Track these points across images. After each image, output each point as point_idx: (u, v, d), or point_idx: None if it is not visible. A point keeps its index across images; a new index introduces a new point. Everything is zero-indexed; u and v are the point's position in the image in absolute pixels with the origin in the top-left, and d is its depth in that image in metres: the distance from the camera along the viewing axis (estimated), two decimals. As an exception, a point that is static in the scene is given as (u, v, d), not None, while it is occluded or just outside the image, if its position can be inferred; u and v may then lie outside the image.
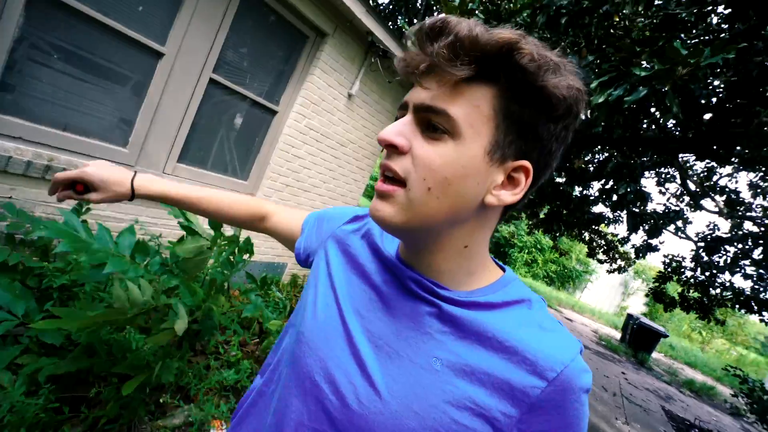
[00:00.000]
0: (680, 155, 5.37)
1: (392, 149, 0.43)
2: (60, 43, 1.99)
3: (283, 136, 3.20)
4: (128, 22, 2.14)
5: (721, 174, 6.21)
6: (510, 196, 0.44)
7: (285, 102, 3.16)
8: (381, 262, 0.53)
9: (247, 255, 1.94)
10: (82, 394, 1.58)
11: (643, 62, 2.19)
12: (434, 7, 6.10)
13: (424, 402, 0.43)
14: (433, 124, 0.41)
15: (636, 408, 5.48)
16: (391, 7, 7.53)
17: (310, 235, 0.68)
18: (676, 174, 6.43)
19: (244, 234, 2.51)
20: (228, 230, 3.08)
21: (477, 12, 2.89)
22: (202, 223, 1.82)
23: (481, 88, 0.40)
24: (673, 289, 8.11)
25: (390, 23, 7.40)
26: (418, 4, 6.83)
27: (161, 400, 1.85)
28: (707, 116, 3.59)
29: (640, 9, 3.32)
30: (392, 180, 0.43)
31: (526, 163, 0.43)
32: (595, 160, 6.62)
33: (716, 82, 3.23)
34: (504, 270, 0.52)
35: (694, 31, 3.45)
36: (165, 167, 2.63)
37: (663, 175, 6.99)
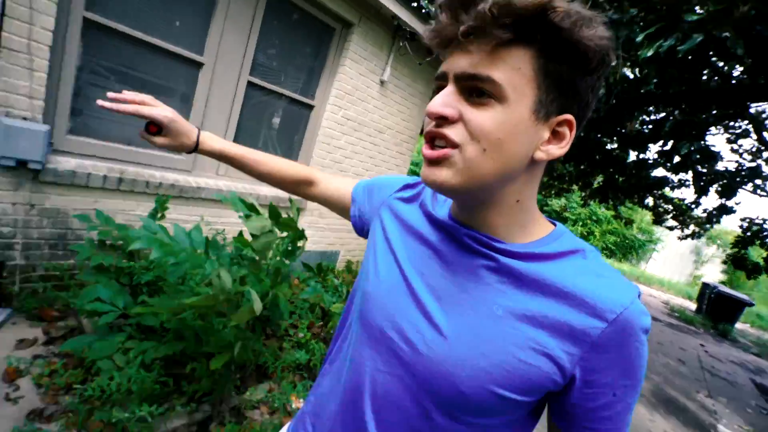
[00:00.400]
0: (752, 105, 4.81)
1: (442, 120, 0.44)
2: (114, 65, 2.22)
3: (322, 129, 3.31)
4: (168, 38, 2.33)
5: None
6: (557, 150, 0.46)
7: (320, 95, 3.27)
8: (435, 224, 0.57)
9: (301, 242, 2.06)
10: (179, 371, 1.80)
11: (695, 7, 2.01)
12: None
13: (490, 344, 0.46)
14: (479, 90, 0.42)
15: (721, 382, 5.08)
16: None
17: (362, 205, 0.73)
18: (750, 127, 5.75)
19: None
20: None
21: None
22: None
23: (519, 50, 0.41)
24: (757, 253, 7.36)
25: (413, 2, 7.27)
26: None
27: (242, 376, 2.04)
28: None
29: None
30: (443, 147, 0.45)
31: (569, 117, 0.45)
32: (650, 122, 6.09)
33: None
34: (555, 224, 0.54)
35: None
36: (219, 169, 2.84)
37: (734, 130, 6.28)
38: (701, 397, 4.31)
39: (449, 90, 0.44)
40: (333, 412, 0.60)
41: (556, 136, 0.46)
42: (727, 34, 1.82)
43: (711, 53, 3.13)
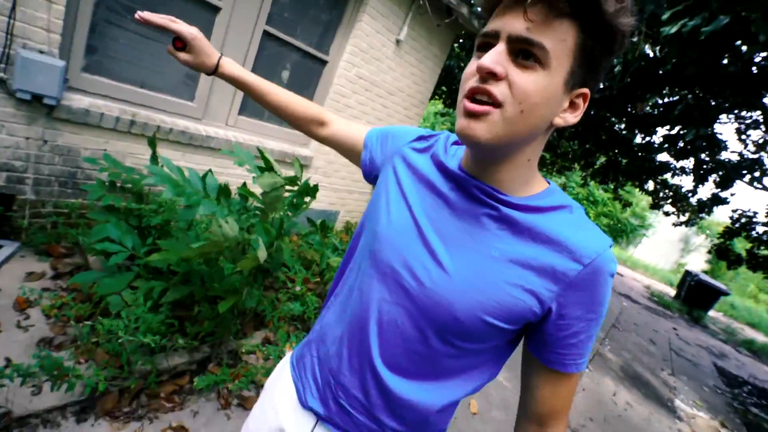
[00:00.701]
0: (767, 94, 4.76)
1: (491, 76, 0.47)
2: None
3: (333, 86, 3.26)
4: (189, -22, 2.24)
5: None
6: (573, 118, 0.52)
7: (335, 51, 3.19)
8: (446, 174, 0.62)
9: (309, 199, 2.11)
10: (183, 314, 1.89)
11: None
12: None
13: (486, 279, 0.54)
14: (527, 53, 0.46)
15: (685, 362, 5.42)
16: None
17: (374, 151, 0.77)
18: (760, 118, 5.71)
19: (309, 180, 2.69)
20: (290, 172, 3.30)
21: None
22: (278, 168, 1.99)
23: (568, 23, 0.45)
24: (741, 245, 7.56)
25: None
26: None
27: (241, 322, 2.16)
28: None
29: None
30: (485, 102, 0.48)
31: (587, 90, 0.51)
32: (662, 104, 6.02)
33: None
34: (549, 183, 0.61)
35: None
36: (228, 120, 2.82)
37: (744, 120, 6.24)
38: (665, 375, 4.62)
39: (500, 48, 0.47)
40: (338, 337, 0.67)
41: (572, 105, 0.52)
42: (754, 17, 1.80)
43: (734, 36, 3.07)
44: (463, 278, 0.54)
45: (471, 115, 0.48)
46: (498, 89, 0.47)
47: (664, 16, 1.92)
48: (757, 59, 3.92)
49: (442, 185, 0.61)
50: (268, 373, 1.98)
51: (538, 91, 0.47)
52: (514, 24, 0.46)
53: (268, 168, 1.52)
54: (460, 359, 0.59)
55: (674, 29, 1.82)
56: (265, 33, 2.70)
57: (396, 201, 0.65)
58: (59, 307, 1.87)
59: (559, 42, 0.46)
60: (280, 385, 0.76)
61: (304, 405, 0.70)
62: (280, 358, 2.15)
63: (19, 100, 1.85)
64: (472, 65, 0.50)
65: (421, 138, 0.72)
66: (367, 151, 0.78)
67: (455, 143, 0.68)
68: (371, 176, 0.78)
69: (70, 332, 1.81)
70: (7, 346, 1.62)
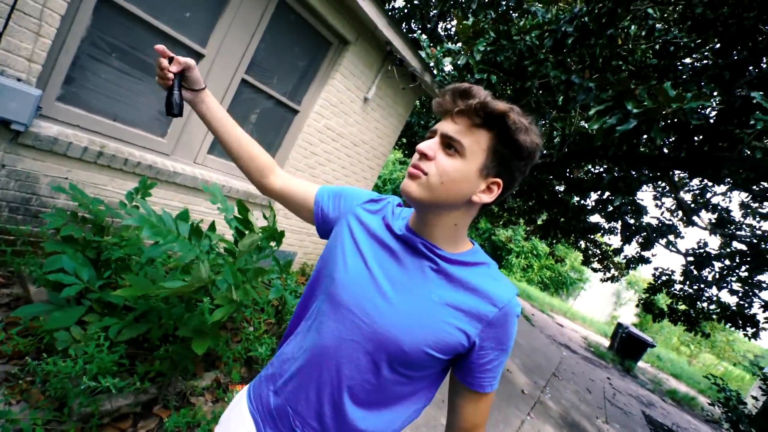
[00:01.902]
0: (674, 171, 5.61)
1: (424, 156, 0.68)
2: (117, 42, 2.24)
3: (302, 134, 3.45)
4: (176, 26, 2.38)
5: (715, 192, 6.45)
6: (486, 198, 0.69)
7: (306, 103, 3.41)
8: (394, 234, 0.76)
9: (274, 243, 2.19)
10: (135, 351, 1.83)
11: (638, 93, 2.42)
12: (447, 16, 6.33)
13: (427, 318, 0.68)
14: (450, 145, 0.66)
15: (617, 410, 5.75)
16: (405, 11, 7.75)
17: (327, 207, 0.88)
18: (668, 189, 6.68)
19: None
20: (261, 221, 3.34)
21: (488, 30, 3.13)
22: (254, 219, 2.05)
23: (482, 131, 0.66)
24: (663, 300, 8.37)
25: (404, 25, 7.61)
26: (431, 12, 7.05)
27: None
28: (698, 138, 3.83)
29: (642, 33, 3.56)
30: (419, 171, 0.67)
31: (499, 180, 0.69)
32: (594, 172, 6.85)
33: (707, 110, 3.47)
34: (473, 243, 0.78)
35: (690, 59, 3.69)
36: (197, 157, 2.88)
37: (660, 189, 7.23)
38: (599, 422, 4.88)
39: (435, 141, 0.68)
40: (296, 371, 0.75)
41: (488, 189, 0.69)
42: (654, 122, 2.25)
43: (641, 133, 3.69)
44: (410, 317, 0.68)
45: (410, 176, 0.68)
46: (426, 166, 0.67)
47: (591, 112, 2.34)
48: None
49: (391, 242, 0.75)
50: (216, 418, 1.92)
51: (454, 171, 0.66)
52: (447, 127, 0.67)
53: (244, 220, 1.60)
54: (405, 386, 0.72)
55: (597, 125, 2.24)
56: (243, 81, 2.87)
57: (351, 252, 0.77)
58: (-9, 342, 1.74)
59: (475, 143, 0.66)
60: (237, 418, 0.83)
61: None
62: (230, 399, 2.10)
63: (-16, 124, 1.83)
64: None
65: (372, 201, 0.86)
66: (319, 207, 0.88)
67: (399, 205, 0.86)
68: (324, 229, 0.89)
69: (1, 370, 1.68)
70: (-72, 385, 1.48)
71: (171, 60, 0.84)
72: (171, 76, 0.84)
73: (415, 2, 7.37)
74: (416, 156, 0.69)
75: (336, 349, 0.71)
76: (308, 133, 3.47)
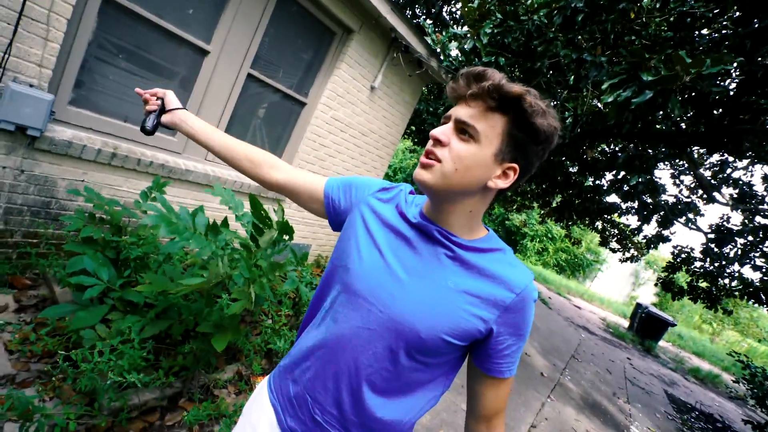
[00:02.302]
0: (692, 148, 5.44)
1: (438, 142, 0.66)
2: (123, 44, 2.25)
3: (310, 126, 3.44)
4: (180, 24, 2.38)
5: (735, 167, 6.24)
6: (502, 183, 0.68)
7: (313, 94, 3.39)
8: (408, 222, 0.76)
9: (287, 237, 2.20)
10: (159, 347, 1.89)
11: (653, 65, 2.34)
12: (451, 0, 6.19)
13: (444, 305, 0.68)
14: (465, 131, 0.65)
15: (639, 390, 5.71)
16: (409, -4, 7.61)
17: (337, 199, 0.87)
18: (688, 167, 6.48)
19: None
20: (272, 216, 3.36)
21: (495, 12, 3.04)
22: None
23: (498, 115, 0.64)
24: (683, 279, 8.21)
25: (408, 10, 7.48)
26: (436, -5, 6.91)
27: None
28: (718, 111, 3.69)
29: (656, 5, 3.42)
30: (432, 159, 0.66)
31: (516, 165, 0.67)
32: (609, 151, 6.69)
33: (726, 82, 3.34)
34: (488, 230, 0.78)
35: (707, 30, 3.54)
36: (207, 154, 2.90)
37: (677, 167, 7.03)
38: (621, 402, 4.85)
39: (449, 126, 0.67)
40: (315, 361, 0.76)
41: (504, 175, 0.68)
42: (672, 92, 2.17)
43: (658, 107, 3.58)
44: (425, 304, 0.68)
45: (422, 166, 0.67)
46: (441, 152, 0.66)
47: (604, 86, 2.26)
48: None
49: (406, 231, 0.75)
50: (238, 410, 1.97)
51: (469, 157, 0.65)
52: (461, 111, 0.66)
53: (263, 216, 1.61)
54: (423, 372, 0.72)
55: (610, 98, 2.17)
56: (249, 75, 2.86)
57: (365, 242, 0.76)
58: (22, 342, 1.81)
59: (489, 127, 0.64)
60: (258, 408, 0.84)
61: (283, 424, 0.78)
62: (252, 391, 2.14)
63: (1, 130, 1.87)
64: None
65: (384, 189, 0.86)
66: (329, 199, 0.88)
67: (411, 193, 0.85)
68: (336, 222, 0.89)
69: (33, 368, 1.75)
70: (-34, 384, 1.55)
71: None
72: (159, 103, 0.97)
73: (419, -14, 7.24)
74: (430, 142, 0.68)
75: (353, 338, 0.71)
76: (316, 125, 3.46)
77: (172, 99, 0.97)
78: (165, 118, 0.96)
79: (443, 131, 0.66)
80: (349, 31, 3.30)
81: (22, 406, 1.37)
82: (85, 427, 1.59)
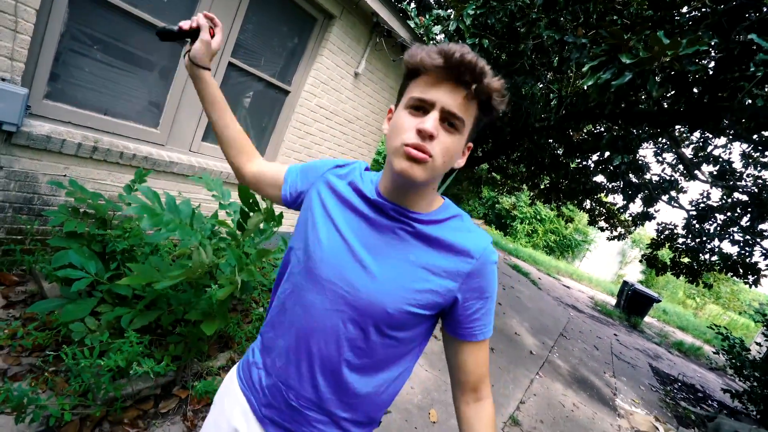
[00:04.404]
0: (674, 127, 5.53)
1: (429, 137, 0.64)
2: (97, 34, 2.21)
3: (295, 115, 3.42)
4: (154, 13, 2.34)
5: (715, 145, 6.37)
6: (463, 161, 0.73)
7: (296, 82, 3.36)
8: (365, 200, 0.76)
9: (273, 224, 2.22)
10: (150, 337, 1.91)
11: (632, 46, 2.36)
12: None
13: (406, 279, 0.70)
14: (452, 123, 0.65)
15: (624, 365, 5.92)
16: (393, -22, 7.47)
17: (295, 181, 0.88)
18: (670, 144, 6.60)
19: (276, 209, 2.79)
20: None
21: (477, -7, 3.02)
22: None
23: (474, 103, 0.66)
24: (667, 255, 8.44)
25: (395, 2, 7.36)
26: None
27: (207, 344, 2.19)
28: (698, 90, 3.76)
29: (636, -16, 3.43)
30: (424, 154, 0.64)
31: (471, 144, 0.73)
32: (594, 132, 6.76)
33: (705, 60, 3.39)
34: (444, 198, 0.80)
35: (687, 8, 3.57)
36: (191, 145, 2.88)
37: (660, 146, 7.15)
38: (607, 377, 5.04)
39: (436, 116, 0.64)
40: (285, 347, 0.76)
41: (463, 154, 0.72)
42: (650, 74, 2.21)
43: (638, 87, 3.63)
44: (389, 280, 0.70)
45: (413, 160, 0.64)
46: (431, 146, 0.64)
47: (584, 69, 2.29)
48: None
49: (363, 208, 0.76)
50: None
51: (454, 148, 0.67)
52: (447, 100, 0.63)
53: (250, 201, 1.62)
54: (395, 347, 0.74)
55: (591, 81, 2.20)
56: (230, 64, 2.83)
57: (324, 223, 0.77)
58: (11, 337, 1.82)
59: (469, 116, 0.66)
60: (230, 399, 0.84)
61: (258, 413, 0.79)
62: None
63: (-24, 127, 1.84)
64: (407, 120, 0.66)
65: (339, 166, 0.86)
66: (287, 184, 0.89)
67: (366, 170, 0.85)
68: (295, 204, 0.89)
69: (24, 362, 1.76)
70: (-42, 381, 1.56)
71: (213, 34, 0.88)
72: (202, 23, 0.85)
73: (402, -33, 7.10)
74: (412, 134, 0.64)
75: (322, 321, 0.72)
76: (301, 113, 3.44)
77: (209, 53, 0.87)
78: (197, 47, 0.85)
79: (434, 126, 0.63)
80: (330, 16, 3.26)
81: (17, 398, 1.39)
82: (79, 417, 1.62)
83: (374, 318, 0.70)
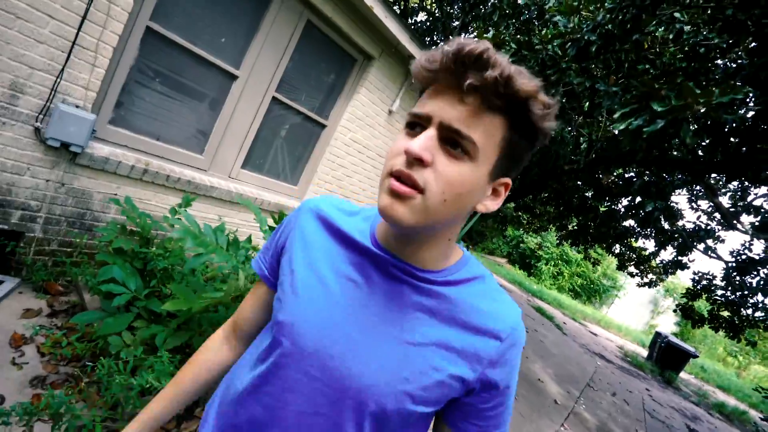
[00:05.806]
0: (710, 175, 5.39)
1: (418, 162, 0.45)
2: (160, 68, 2.43)
3: (330, 147, 3.57)
4: (212, 51, 2.56)
5: (756, 194, 6.14)
6: (493, 205, 0.52)
7: (333, 117, 3.54)
8: (355, 248, 0.58)
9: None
10: (180, 356, 1.96)
11: (664, 94, 2.38)
12: (469, 28, 6.40)
13: (411, 368, 0.52)
14: (457, 144, 0.45)
15: (658, 423, 5.50)
16: (428, 24, 7.87)
17: (265, 263, 0.69)
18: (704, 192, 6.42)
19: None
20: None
21: (510, 41, 3.16)
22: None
23: (496, 117, 0.45)
24: (704, 306, 7.96)
25: (427, 38, 7.73)
26: (453, 24, 7.14)
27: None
28: (735, 139, 3.69)
29: (670, 36, 3.50)
30: (410, 185, 0.46)
31: (509, 180, 0.52)
32: (625, 177, 6.66)
33: (742, 111, 3.36)
34: (463, 251, 0.61)
35: (721, 60, 3.59)
36: (231, 172, 3.04)
37: (695, 193, 6.95)
38: (640, 436, 4.68)
39: (431, 134, 0.45)
40: (250, 416, 0.58)
41: (494, 192, 0.52)
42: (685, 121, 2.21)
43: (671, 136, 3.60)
44: (388, 371, 0.52)
45: (395, 194, 0.46)
46: (421, 176, 0.45)
47: (616, 114, 2.33)
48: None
49: (353, 257, 0.57)
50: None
51: (463, 183, 0.46)
52: (447, 111, 0.45)
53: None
54: None
55: (622, 126, 2.22)
56: (274, 98, 3.02)
57: (304, 280, 0.58)
58: (52, 345, 1.91)
59: (488, 137, 0.46)
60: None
61: None
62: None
63: (47, 146, 2.03)
64: (400, 142, 0.49)
65: (323, 200, 0.67)
66: (264, 272, 0.69)
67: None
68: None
69: (62, 371, 1.83)
70: (1, 384, 1.64)
71: None
72: None
73: (437, 15, 7.48)
74: (401, 159, 0.47)
75: (297, 416, 0.54)
76: (335, 146, 3.59)
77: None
78: None
79: (425, 144, 0.45)
80: (369, 57, 3.46)
81: (57, 405, 1.45)
82: (107, 430, 1.66)
83: (367, 417, 0.52)
